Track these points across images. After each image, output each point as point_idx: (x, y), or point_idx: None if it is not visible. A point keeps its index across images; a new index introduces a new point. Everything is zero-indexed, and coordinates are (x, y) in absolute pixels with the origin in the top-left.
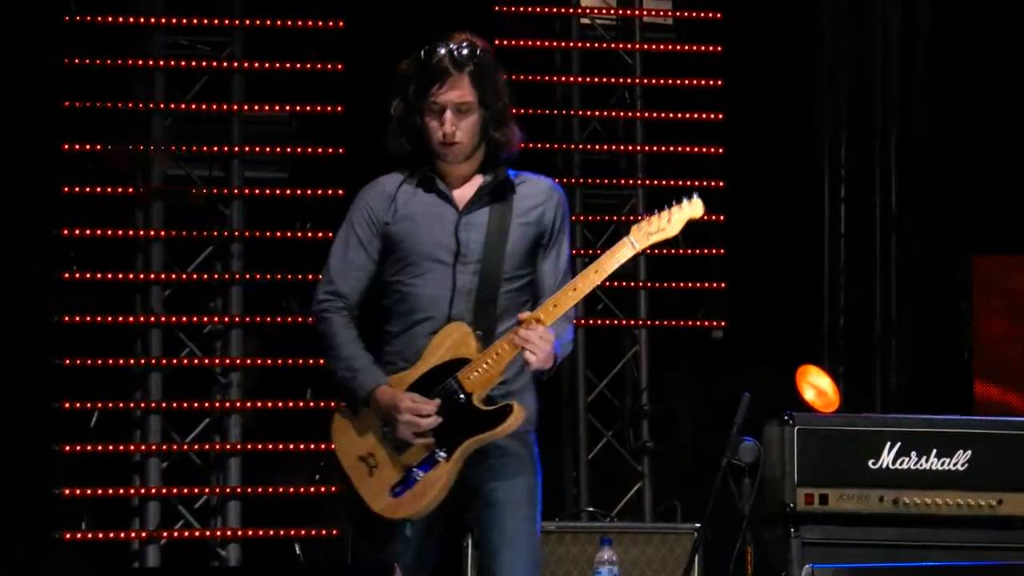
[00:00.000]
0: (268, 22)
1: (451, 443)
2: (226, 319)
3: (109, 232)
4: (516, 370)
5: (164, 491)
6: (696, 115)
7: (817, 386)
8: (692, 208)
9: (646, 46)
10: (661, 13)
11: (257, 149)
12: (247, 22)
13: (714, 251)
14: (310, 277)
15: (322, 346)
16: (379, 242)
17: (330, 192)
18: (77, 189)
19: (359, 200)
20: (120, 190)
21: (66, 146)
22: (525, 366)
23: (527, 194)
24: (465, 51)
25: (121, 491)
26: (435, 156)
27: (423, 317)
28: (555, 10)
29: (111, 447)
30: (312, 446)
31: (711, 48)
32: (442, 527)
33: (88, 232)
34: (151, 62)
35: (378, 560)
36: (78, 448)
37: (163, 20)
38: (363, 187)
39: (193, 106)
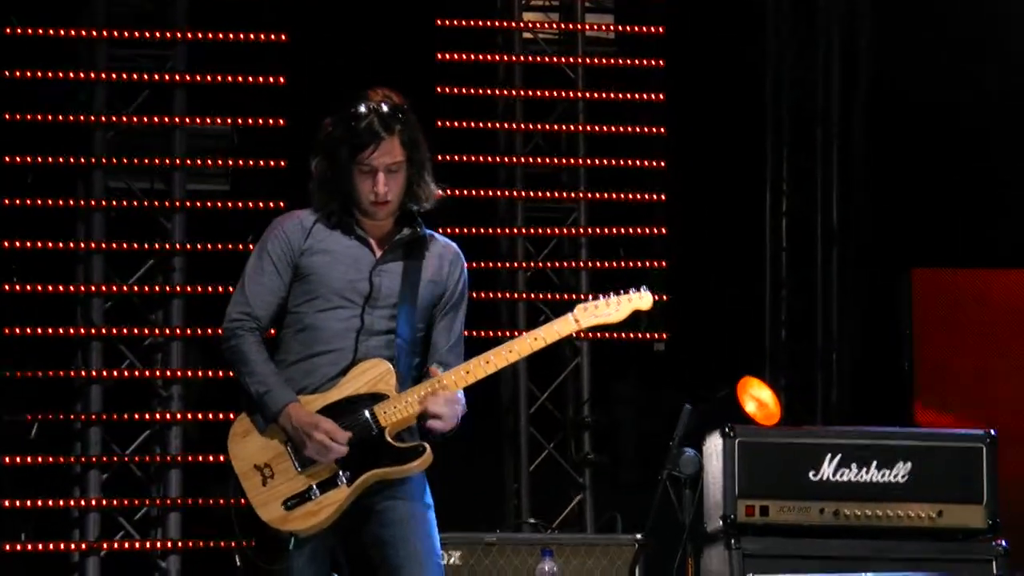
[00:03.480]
0: (211, 35)
1: (355, 470)
2: (167, 331)
3: (50, 244)
4: None
5: (104, 503)
6: (638, 129)
7: (758, 398)
8: (640, 301)
9: (588, 60)
10: (603, 27)
11: (199, 162)
12: (189, 35)
13: (656, 263)
14: None
15: (233, 361)
16: (291, 271)
17: (272, 205)
18: (18, 201)
19: (274, 227)
20: (61, 202)
21: (7, 158)
22: (428, 432)
23: (436, 253)
24: (392, 112)
25: (61, 502)
26: (363, 213)
27: (327, 349)
28: (497, 24)
29: (51, 459)
30: None
31: (653, 62)
32: (328, 553)
33: (29, 244)
34: (93, 74)
35: (268, 572)
36: (18, 460)
37: (105, 33)
38: (277, 217)
39: (135, 119)
